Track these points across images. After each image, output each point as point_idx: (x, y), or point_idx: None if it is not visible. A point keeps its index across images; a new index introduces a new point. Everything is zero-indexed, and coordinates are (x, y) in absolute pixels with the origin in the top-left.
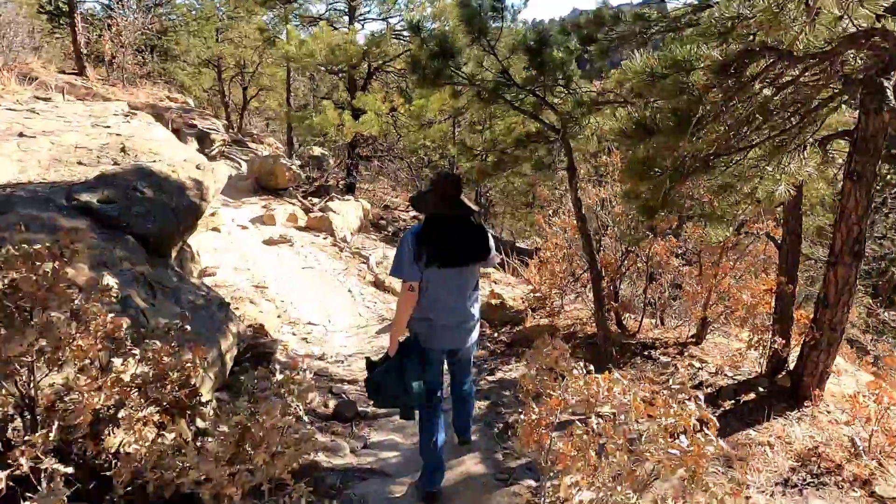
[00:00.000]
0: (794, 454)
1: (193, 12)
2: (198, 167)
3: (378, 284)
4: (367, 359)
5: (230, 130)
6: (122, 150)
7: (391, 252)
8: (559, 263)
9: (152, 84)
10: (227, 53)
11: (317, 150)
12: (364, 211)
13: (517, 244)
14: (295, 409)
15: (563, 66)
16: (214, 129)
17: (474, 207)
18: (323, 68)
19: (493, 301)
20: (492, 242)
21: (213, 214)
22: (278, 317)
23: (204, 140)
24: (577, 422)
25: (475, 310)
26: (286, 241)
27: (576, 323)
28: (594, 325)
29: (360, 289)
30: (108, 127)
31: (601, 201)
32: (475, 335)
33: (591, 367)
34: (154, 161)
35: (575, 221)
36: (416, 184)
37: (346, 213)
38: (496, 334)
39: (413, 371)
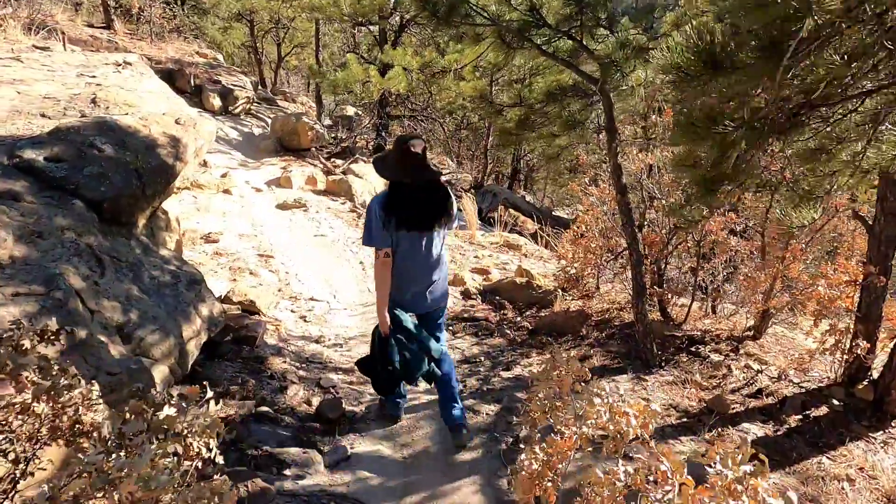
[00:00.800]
0: (881, 493)
1: None
2: (177, 122)
3: None
4: (358, 362)
5: (259, 88)
6: (94, 101)
7: None
8: (596, 239)
9: (183, 39)
10: (260, 7)
11: (350, 110)
12: None
13: (554, 212)
14: (197, 450)
15: (606, 2)
16: (240, 86)
17: (437, 171)
18: (350, 20)
19: (519, 279)
20: (455, 207)
21: (224, 175)
22: (279, 290)
23: (227, 96)
24: (596, 469)
25: (443, 272)
26: (301, 205)
27: (612, 307)
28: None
29: (372, 261)
30: (94, 77)
31: (647, 168)
32: (445, 297)
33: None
34: (127, 114)
35: (614, 192)
36: (450, 145)
37: (370, 175)
38: (519, 318)
39: (414, 330)
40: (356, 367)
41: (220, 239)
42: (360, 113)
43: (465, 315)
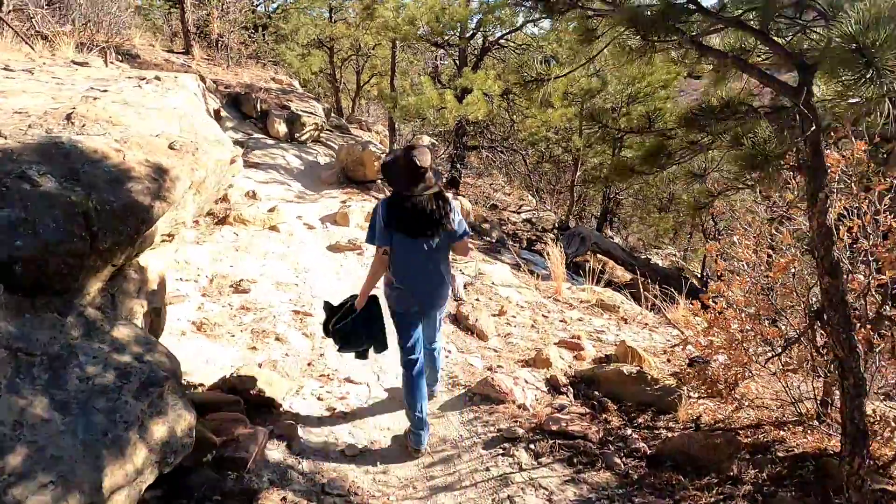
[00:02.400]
0: None
1: None
2: (171, 147)
3: (460, 320)
4: (326, 302)
5: (332, 115)
6: (69, 117)
7: (488, 268)
8: (745, 320)
9: (261, 66)
10: (340, 35)
11: (426, 140)
12: (463, 211)
13: (651, 261)
14: None
15: None
16: (310, 112)
17: (439, 184)
18: (427, 40)
19: (627, 368)
20: (456, 216)
21: (272, 210)
22: (308, 364)
23: (294, 122)
24: None
25: (444, 275)
26: (355, 247)
27: (764, 421)
28: (808, 431)
29: None
30: (105, 91)
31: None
32: (445, 299)
33: None
34: (104, 133)
35: (787, 260)
36: (532, 179)
37: None
38: (629, 430)
39: (378, 321)
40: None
41: (253, 288)
42: (436, 143)
43: (555, 427)
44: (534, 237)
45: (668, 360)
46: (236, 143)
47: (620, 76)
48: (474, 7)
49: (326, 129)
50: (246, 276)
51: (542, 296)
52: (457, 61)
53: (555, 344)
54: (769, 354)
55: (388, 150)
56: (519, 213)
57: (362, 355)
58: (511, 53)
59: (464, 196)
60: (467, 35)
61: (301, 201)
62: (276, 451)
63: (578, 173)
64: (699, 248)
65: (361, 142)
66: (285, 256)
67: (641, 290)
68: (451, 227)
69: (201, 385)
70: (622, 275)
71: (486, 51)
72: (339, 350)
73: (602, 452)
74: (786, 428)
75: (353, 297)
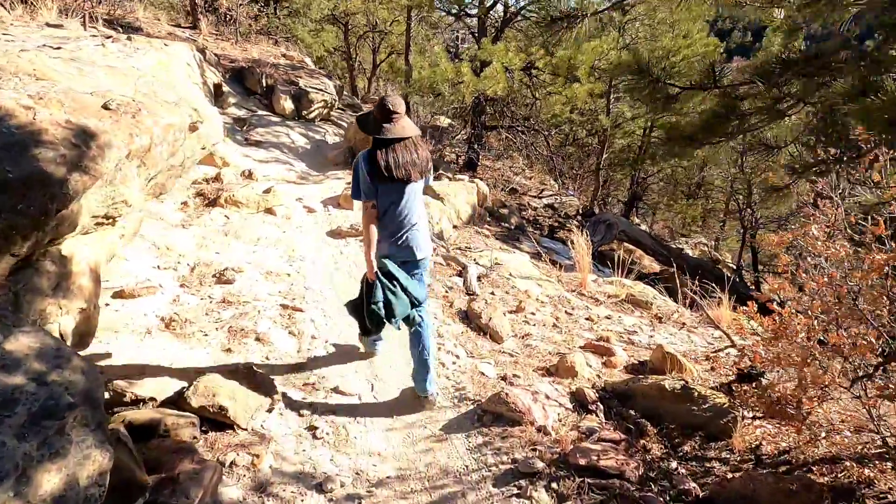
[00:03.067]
0: None
1: None
2: (105, 106)
3: (472, 318)
4: (348, 303)
5: (345, 93)
6: None
7: (505, 257)
8: (817, 329)
9: (272, 42)
10: (355, 9)
11: (444, 121)
12: (479, 195)
13: (684, 251)
14: None
15: None
16: (320, 90)
17: (416, 130)
18: (444, 10)
19: (670, 383)
20: (430, 163)
21: (268, 191)
22: (292, 369)
23: (301, 99)
24: None
25: (424, 221)
26: (358, 233)
27: (852, 459)
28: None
29: (439, 323)
30: (58, 49)
31: None
32: (428, 247)
33: None
34: (18, 88)
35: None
36: (554, 162)
37: (453, 196)
38: (674, 463)
39: (402, 277)
40: (345, 308)
41: (238, 278)
42: (454, 124)
43: (583, 461)
44: (556, 224)
45: (713, 369)
46: (238, 119)
47: (654, 48)
48: None
49: (338, 108)
50: (232, 265)
51: (565, 289)
52: (475, 34)
53: (580, 347)
54: (858, 374)
55: None
56: (540, 197)
57: (409, 321)
58: (533, 28)
59: (481, 179)
60: (487, 4)
61: (303, 182)
62: (234, 488)
63: (605, 155)
64: (730, 237)
65: None
66: (279, 242)
67: (678, 283)
68: (429, 169)
69: (152, 400)
70: (649, 264)
71: (508, 22)
72: (396, 327)
73: (643, 497)
74: (871, 464)
75: (363, 281)
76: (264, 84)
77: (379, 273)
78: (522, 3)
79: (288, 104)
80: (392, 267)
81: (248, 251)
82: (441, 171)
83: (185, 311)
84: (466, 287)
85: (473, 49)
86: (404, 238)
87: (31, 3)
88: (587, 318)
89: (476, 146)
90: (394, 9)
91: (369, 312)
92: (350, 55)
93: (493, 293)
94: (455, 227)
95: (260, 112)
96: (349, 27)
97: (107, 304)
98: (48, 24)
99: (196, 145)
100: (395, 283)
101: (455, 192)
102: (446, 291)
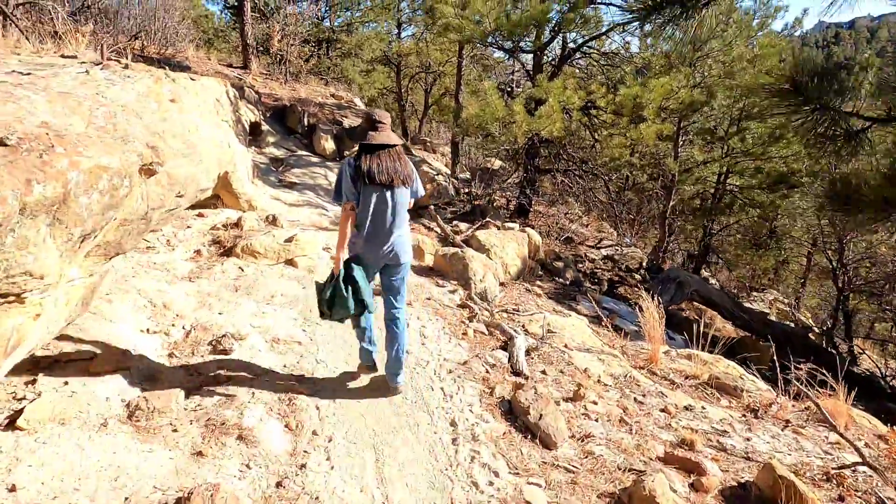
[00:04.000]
0: None
1: (369, 3)
2: (1, 142)
3: (517, 413)
4: (316, 282)
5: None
6: None
7: (559, 322)
8: None
9: (322, 82)
10: (407, 51)
11: (497, 164)
12: (531, 246)
13: (768, 315)
14: None
15: None
16: None
17: (401, 140)
18: (495, 43)
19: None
20: (415, 174)
21: (290, 240)
22: (277, 485)
23: (343, 139)
24: None
25: (404, 229)
26: None
27: None
28: None
29: (473, 422)
30: (28, 74)
31: None
32: (407, 254)
33: None
34: None
35: None
36: (615, 209)
37: (501, 248)
38: None
39: (360, 281)
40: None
41: (237, 348)
42: (506, 166)
43: None
44: (615, 278)
45: (841, 499)
46: (275, 160)
47: (731, 87)
48: (553, 5)
49: None
50: (234, 329)
51: (632, 365)
52: (530, 72)
53: (659, 459)
54: None
55: (450, 173)
56: (598, 248)
57: (356, 322)
58: (594, 64)
59: (533, 227)
60: (544, 39)
61: (334, 228)
62: None
63: (672, 202)
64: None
65: (415, 160)
66: (296, 301)
67: (775, 360)
68: (411, 179)
69: None
70: (722, 325)
71: (566, 59)
72: (332, 319)
73: None
74: None
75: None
76: (305, 123)
77: (342, 271)
78: (582, 40)
79: (329, 144)
80: (357, 272)
81: (258, 312)
82: (489, 220)
83: (158, 396)
84: (512, 364)
85: (528, 88)
86: (390, 243)
87: (60, 37)
88: (662, 410)
89: (528, 191)
90: (447, 49)
91: (319, 300)
92: (401, 96)
93: (544, 372)
94: (502, 283)
95: (299, 152)
96: (401, 68)
97: (65, 383)
98: (63, 56)
99: (166, 192)
100: (350, 287)
101: (503, 244)
102: (487, 371)
